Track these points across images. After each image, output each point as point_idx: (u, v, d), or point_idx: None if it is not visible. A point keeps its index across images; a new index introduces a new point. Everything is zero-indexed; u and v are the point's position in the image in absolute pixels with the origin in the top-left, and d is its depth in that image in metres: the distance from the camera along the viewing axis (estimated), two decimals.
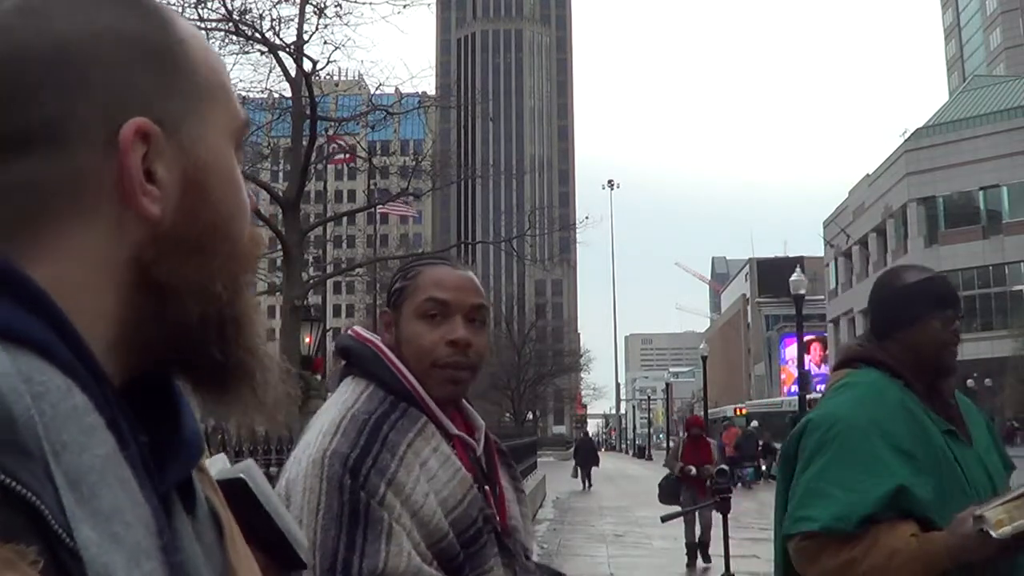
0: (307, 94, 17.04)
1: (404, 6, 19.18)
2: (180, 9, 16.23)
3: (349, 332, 1.82)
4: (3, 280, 0.61)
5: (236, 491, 0.99)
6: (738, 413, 55.03)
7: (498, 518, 1.73)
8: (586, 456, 31.39)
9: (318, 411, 1.71)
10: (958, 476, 2.18)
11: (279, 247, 17.50)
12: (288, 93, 17.94)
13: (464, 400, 1.83)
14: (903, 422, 2.20)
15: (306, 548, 1.07)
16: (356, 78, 23.74)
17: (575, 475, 31.47)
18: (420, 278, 1.75)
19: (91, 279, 0.66)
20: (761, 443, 31.24)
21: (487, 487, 1.75)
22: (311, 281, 20.73)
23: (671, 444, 21.99)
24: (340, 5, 17.35)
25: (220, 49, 17.32)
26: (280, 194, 18.10)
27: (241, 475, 1.00)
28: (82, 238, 0.65)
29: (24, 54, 0.65)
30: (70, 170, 0.65)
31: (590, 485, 30.14)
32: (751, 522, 14.90)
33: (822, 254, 65.67)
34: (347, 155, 23.68)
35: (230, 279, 0.71)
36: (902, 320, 2.34)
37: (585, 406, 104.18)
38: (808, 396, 24.15)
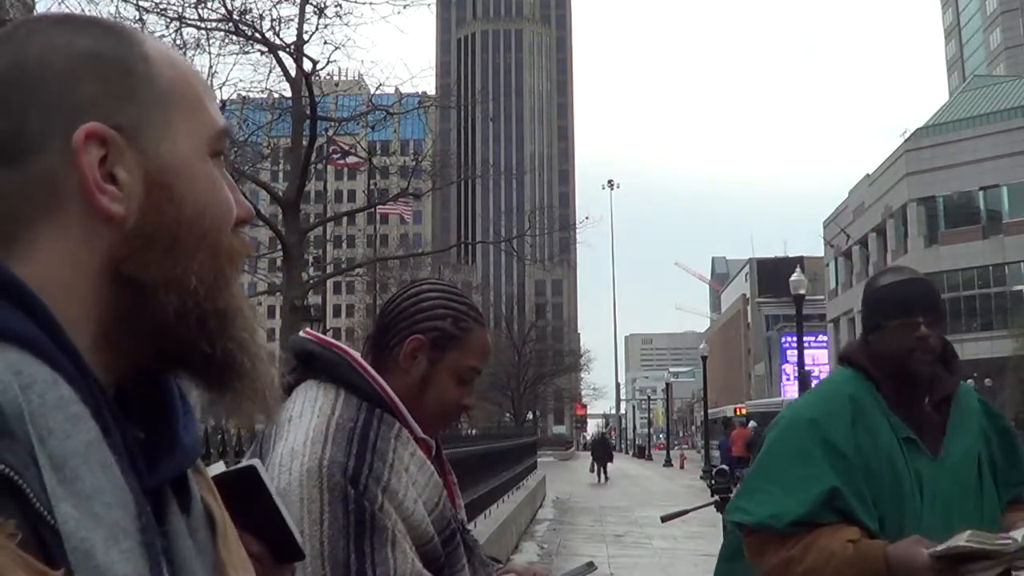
0: (307, 94, 17.00)
1: (404, 6, 19.14)
2: (180, 9, 16.20)
3: (304, 335, 1.78)
4: None
5: (244, 482, 1.00)
6: (738, 413, 54.98)
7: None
8: (602, 453, 36.09)
9: (287, 416, 1.66)
10: (904, 484, 2.17)
11: (279, 247, 17.50)
12: (288, 93, 17.89)
13: None
14: (846, 422, 2.21)
15: (302, 540, 1.09)
16: (356, 78, 23.72)
17: (592, 470, 35.91)
18: (471, 338, 1.77)
19: (69, 280, 0.70)
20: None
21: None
22: (311, 281, 20.72)
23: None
24: (340, 5, 17.31)
25: (220, 49, 17.35)
26: (280, 194, 18.08)
27: (253, 463, 1.02)
28: (56, 242, 0.70)
29: None
30: (32, 180, 0.70)
31: (607, 478, 34.32)
32: None
33: (822, 254, 65.57)
34: (350, 161, 23.70)
35: (206, 273, 0.74)
36: (868, 325, 2.34)
37: (585, 406, 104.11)
38: None
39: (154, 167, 0.73)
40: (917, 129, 54.44)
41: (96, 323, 0.71)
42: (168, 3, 16.12)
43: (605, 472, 35.33)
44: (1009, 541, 2.00)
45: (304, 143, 17.24)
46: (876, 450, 2.18)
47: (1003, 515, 2.30)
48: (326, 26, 17.40)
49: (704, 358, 45.76)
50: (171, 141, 0.74)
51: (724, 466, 10.77)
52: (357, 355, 1.73)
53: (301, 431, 1.61)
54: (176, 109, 0.75)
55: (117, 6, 15.54)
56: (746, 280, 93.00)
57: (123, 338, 0.72)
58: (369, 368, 1.70)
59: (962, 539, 1.98)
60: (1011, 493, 2.35)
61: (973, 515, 2.19)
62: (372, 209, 27.21)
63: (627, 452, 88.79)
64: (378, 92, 19.46)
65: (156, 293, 0.72)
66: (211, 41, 16.78)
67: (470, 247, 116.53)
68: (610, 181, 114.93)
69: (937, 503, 2.18)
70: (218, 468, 1.01)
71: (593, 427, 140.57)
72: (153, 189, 0.72)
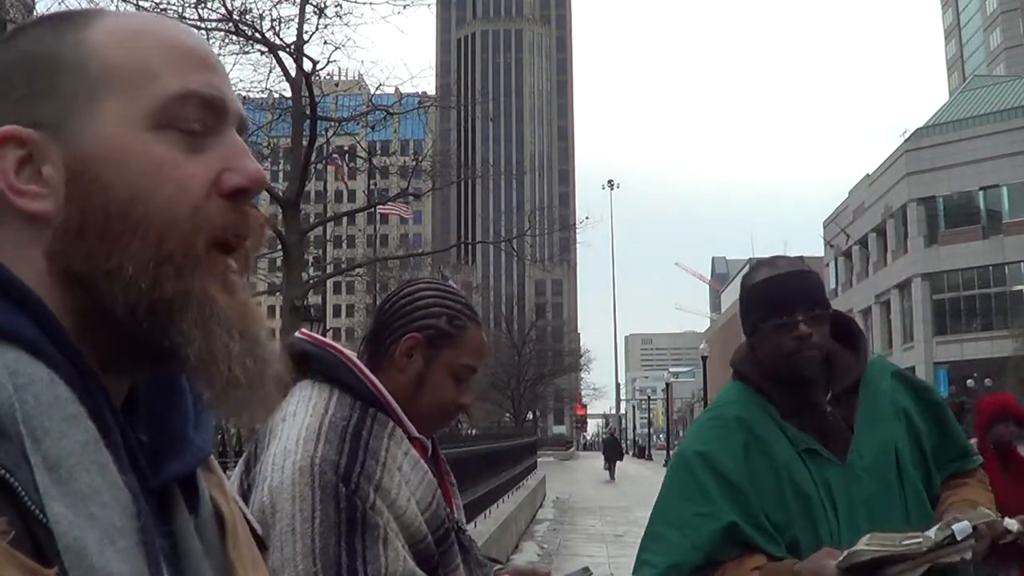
0: (307, 94, 17.04)
1: (404, 6, 19.18)
2: (180, 9, 16.22)
3: (299, 335, 1.79)
4: None
5: None
6: None
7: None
8: (612, 452, 39.67)
9: (282, 415, 1.67)
10: (813, 501, 2.01)
11: (279, 247, 17.51)
12: (288, 93, 17.93)
13: None
14: (737, 449, 2.05)
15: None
16: (356, 78, 23.75)
17: (606, 467, 38.91)
18: (466, 336, 1.77)
19: (33, 280, 0.69)
20: None
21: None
22: (311, 281, 20.73)
23: None
24: (340, 5, 17.36)
25: (220, 49, 17.34)
26: (280, 194, 18.10)
27: None
28: (9, 247, 0.70)
29: None
30: None
31: (612, 477, 36.43)
32: None
33: (822, 254, 65.60)
34: (347, 166, 23.77)
35: (145, 262, 0.70)
36: (746, 329, 2.15)
37: (585, 406, 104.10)
38: None
39: (72, 158, 0.70)
40: (917, 129, 54.42)
41: (71, 319, 0.69)
42: (168, 3, 16.14)
43: (613, 470, 37.70)
44: (919, 539, 1.86)
45: (304, 143, 17.26)
46: (774, 471, 2.02)
47: (942, 494, 2.12)
48: (326, 26, 17.46)
49: (704, 358, 45.76)
50: (97, 126, 0.71)
51: None
52: (352, 355, 1.74)
53: (294, 430, 1.62)
54: (109, 90, 0.72)
55: (117, 6, 15.58)
56: None
57: (96, 333, 0.70)
58: (363, 367, 1.71)
59: (862, 544, 1.87)
60: (947, 470, 2.15)
61: (898, 515, 2.03)
62: (372, 209, 27.20)
63: (627, 452, 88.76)
64: (378, 92, 19.50)
65: (99, 286, 0.70)
66: (211, 41, 16.79)
67: (470, 247, 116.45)
68: (610, 181, 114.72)
69: (856, 511, 2.01)
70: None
71: (593, 427, 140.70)
72: (74, 180, 0.70)
